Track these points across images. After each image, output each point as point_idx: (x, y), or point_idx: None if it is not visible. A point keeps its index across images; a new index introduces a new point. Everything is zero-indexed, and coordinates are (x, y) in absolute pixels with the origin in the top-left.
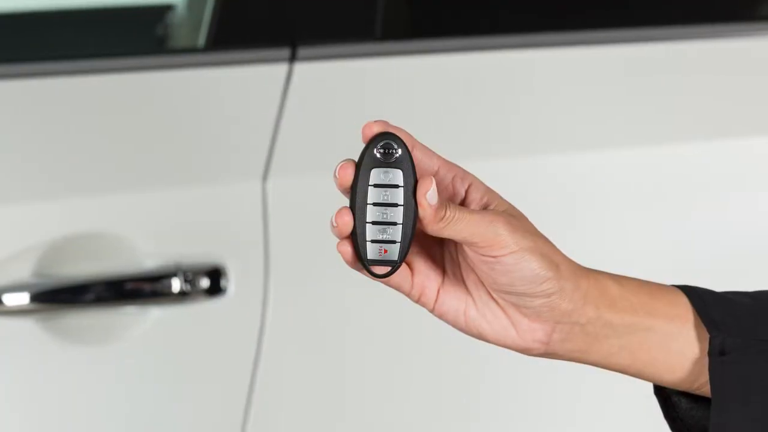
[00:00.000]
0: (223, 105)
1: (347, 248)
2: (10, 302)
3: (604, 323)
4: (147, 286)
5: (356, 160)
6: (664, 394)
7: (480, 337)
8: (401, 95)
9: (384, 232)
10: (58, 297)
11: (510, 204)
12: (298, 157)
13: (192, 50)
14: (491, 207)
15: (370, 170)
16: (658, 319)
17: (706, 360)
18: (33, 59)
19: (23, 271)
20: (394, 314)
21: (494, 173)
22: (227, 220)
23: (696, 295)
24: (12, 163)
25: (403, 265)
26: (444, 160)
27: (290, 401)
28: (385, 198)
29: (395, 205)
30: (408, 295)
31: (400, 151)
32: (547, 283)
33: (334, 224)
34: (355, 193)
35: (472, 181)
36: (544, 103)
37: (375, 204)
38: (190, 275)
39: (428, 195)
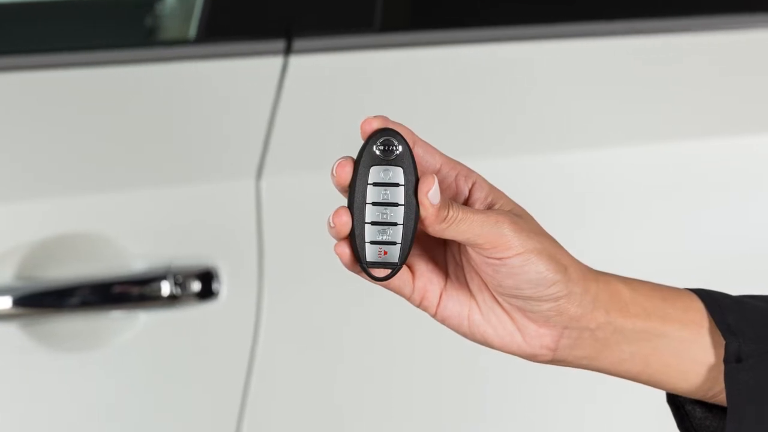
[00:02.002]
0: (214, 100)
1: (345, 250)
2: None
3: (614, 329)
4: (135, 290)
5: (355, 157)
6: (677, 403)
7: (484, 343)
8: (402, 89)
9: (384, 232)
10: (42, 301)
11: (516, 203)
12: (294, 155)
13: (182, 42)
14: (496, 206)
15: (370, 168)
16: (672, 324)
17: (722, 367)
18: (14, 52)
19: (5, 274)
20: (393, 319)
21: (499, 171)
22: (220, 221)
23: (711, 300)
24: None
25: (404, 268)
26: (446, 157)
27: (285, 409)
28: (385, 197)
29: (395, 204)
30: (409, 299)
31: (400, 148)
32: (554, 286)
33: (332, 225)
34: (354, 192)
35: (476, 179)
36: (550, 98)
37: (374, 203)
38: (180, 278)
39: (430, 194)
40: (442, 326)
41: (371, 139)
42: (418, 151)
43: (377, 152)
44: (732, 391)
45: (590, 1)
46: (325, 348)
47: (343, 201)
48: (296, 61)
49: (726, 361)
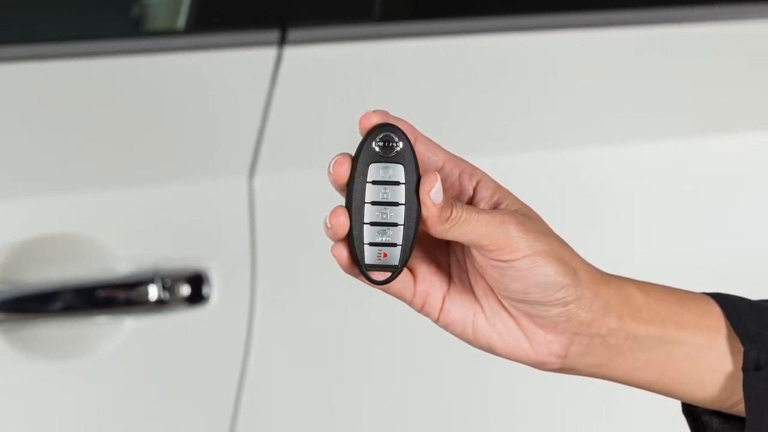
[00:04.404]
0: (205, 93)
1: (343, 252)
2: None
3: (627, 335)
4: (121, 294)
5: (353, 154)
6: (693, 414)
7: (490, 350)
8: (402, 82)
9: (383, 233)
10: (23, 305)
11: (523, 203)
12: (289, 151)
13: (171, 32)
14: (502, 206)
15: (368, 166)
16: (688, 330)
17: (740, 375)
18: None
19: None
20: (393, 324)
21: (505, 169)
22: (210, 221)
23: (729, 304)
24: None
25: (405, 271)
26: (450, 154)
27: (280, 419)
28: (385, 196)
29: (396, 204)
30: (410, 303)
31: (401, 145)
32: (563, 290)
33: (329, 225)
34: (352, 191)
35: (481, 177)
36: (558, 91)
37: (373, 203)
38: (168, 282)
39: (432, 193)
40: (445, 332)
41: (370, 134)
42: (419, 148)
43: (376, 149)
44: (751, 401)
45: None
46: (321, 355)
47: (341, 200)
48: (291, 53)
49: (744, 369)
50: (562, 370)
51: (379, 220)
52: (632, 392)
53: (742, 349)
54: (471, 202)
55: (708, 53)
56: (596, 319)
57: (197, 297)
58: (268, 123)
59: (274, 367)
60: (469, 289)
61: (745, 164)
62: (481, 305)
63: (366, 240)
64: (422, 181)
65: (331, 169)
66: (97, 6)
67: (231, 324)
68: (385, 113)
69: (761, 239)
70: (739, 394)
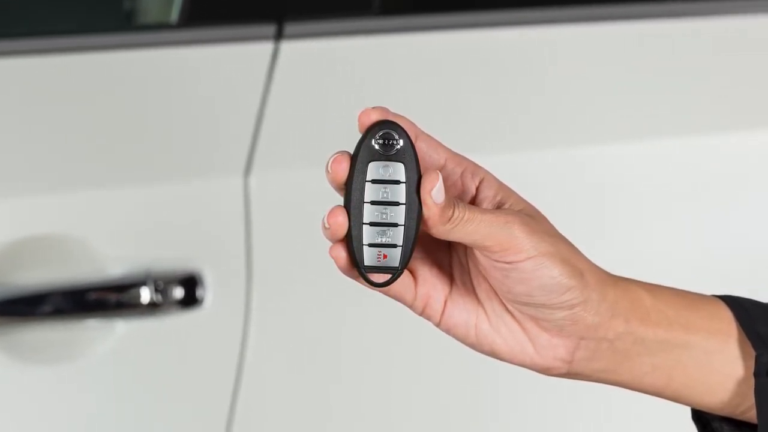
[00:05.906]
0: (199, 89)
1: (341, 253)
2: None
3: (635, 339)
4: (112, 297)
5: (352, 152)
6: (703, 420)
7: (493, 354)
8: (403, 78)
9: (383, 234)
10: (11, 308)
11: (527, 202)
12: (286, 149)
13: (164, 27)
14: (506, 206)
15: (368, 164)
16: (697, 334)
17: (752, 381)
18: None
19: None
20: (392, 327)
21: (508, 167)
22: (205, 221)
23: (740, 307)
24: None
25: (405, 273)
26: (451, 152)
27: (276, 424)
28: (385, 196)
29: (396, 203)
30: (410, 306)
31: (401, 142)
32: (569, 292)
33: (327, 226)
34: (351, 190)
35: (484, 176)
36: (563, 88)
37: (373, 202)
38: (161, 284)
39: (433, 192)
40: (447, 336)
41: (369, 132)
42: (420, 146)
43: (376, 147)
44: (763, 407)
45: None
46: (318, 358)
47: (339, 200)
48: (288, 47)
49: (756, 374)
50: (568, 375)
51: (378, 220)
52: (638, 397)
53: (753, 353)
54: (474, 201)
55: (710, 50)
56: (603, 323)
57: (191, 300)
58: (264, 120)
59: (270, 372)
60: (472, 292)
61: (748, 163)
62: (484, 308)
63: (365, 241)
64: (423, 180)
65: (329, 167)
66: (88, 0)
67: (226, 327)
68: (385, 110)
69: (762, 239)
70: (751, 400)
